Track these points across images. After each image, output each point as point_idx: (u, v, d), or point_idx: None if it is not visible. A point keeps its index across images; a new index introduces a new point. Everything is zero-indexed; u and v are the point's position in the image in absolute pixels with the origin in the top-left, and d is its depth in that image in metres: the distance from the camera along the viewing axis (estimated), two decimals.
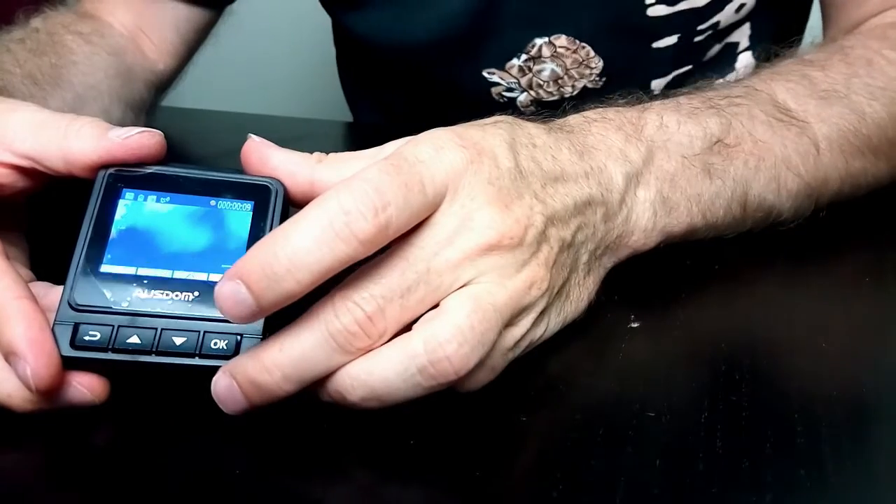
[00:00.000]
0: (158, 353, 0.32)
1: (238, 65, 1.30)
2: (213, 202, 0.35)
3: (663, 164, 0.39)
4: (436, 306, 0.31)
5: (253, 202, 0.35)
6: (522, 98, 0.65)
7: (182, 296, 0.33)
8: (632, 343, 0.38)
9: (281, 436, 0.32)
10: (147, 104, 0.62)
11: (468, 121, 0.35)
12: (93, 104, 0.54)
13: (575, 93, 0.65)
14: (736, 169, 0.41)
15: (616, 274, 0.39)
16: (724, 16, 0.62)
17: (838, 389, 0.34)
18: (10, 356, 0.31)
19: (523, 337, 0.33)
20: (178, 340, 0.32)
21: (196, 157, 0.59)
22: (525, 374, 0.35)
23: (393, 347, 0.30)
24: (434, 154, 0.31)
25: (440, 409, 0.33)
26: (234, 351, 0.32)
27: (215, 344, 0.32)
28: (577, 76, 0.63)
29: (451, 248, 0.31)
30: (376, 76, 0.74)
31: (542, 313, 0.34)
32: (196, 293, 0.33)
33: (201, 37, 0.68)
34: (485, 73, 0.65)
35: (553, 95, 0.65)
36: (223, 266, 0.33)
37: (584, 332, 0.37)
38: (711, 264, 0.43)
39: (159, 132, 0.35)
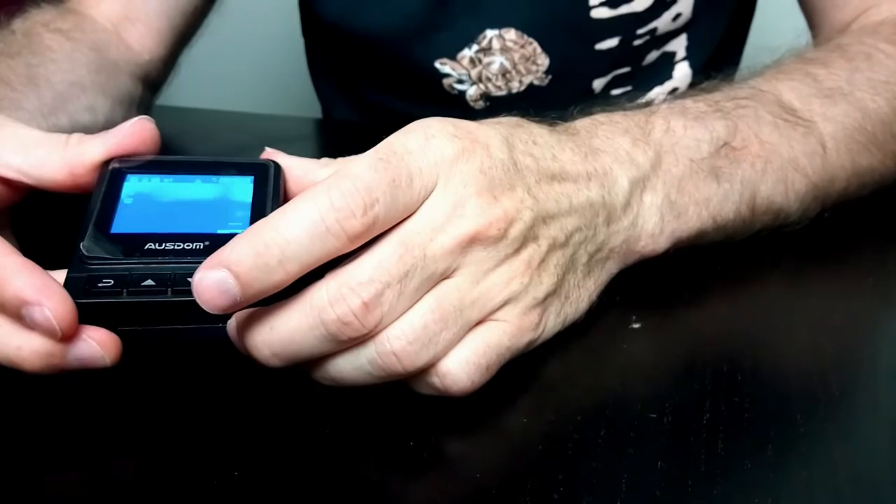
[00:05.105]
0: (175, 292, 0.31)
1: (234, 62, 1.30)
2: (215, 178, 0.37)
3: (671, 168, 0.39)
4: None
5: (253, 176, 0.37)
6: (472, 91, 0.67)
7: (193, 245, 0.33)
8: (633, 344, 0.37)
9: (281, 437, 0.32)
10: (136, 98, 0.61)
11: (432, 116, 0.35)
12: (75, 101, 0.54)
13: (522, 88, 0.67)
14: (744, 172, 0.41)
15: (617, 275, 0.39)
16: (662, 22, 0.65)
17: (841, 390, 0.34)
18: (22, 308, 0.30)
19: (515, 334, 0.33)
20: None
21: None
22: (526, 374, 0.35)
23: None
24: (423, 143, 0.31)
25: (440, 409, 0.33)
26: None
27: None
28: (524, 71, 0.66)
29: (444, 235, 0.31)
30: (345, 65, 0.75)
31: (537, 309, 0.34)
32: (207, 242, 0.33)
33: (192, 23, 0.67)
34: (437, 64, 0.67)
35: (501, 90, 0.67)
36: (230, 223, 0.33)
37: (585, 332, 0.37)
38: (713, 265, 0.43)
39: (149, 117, 0.37)
